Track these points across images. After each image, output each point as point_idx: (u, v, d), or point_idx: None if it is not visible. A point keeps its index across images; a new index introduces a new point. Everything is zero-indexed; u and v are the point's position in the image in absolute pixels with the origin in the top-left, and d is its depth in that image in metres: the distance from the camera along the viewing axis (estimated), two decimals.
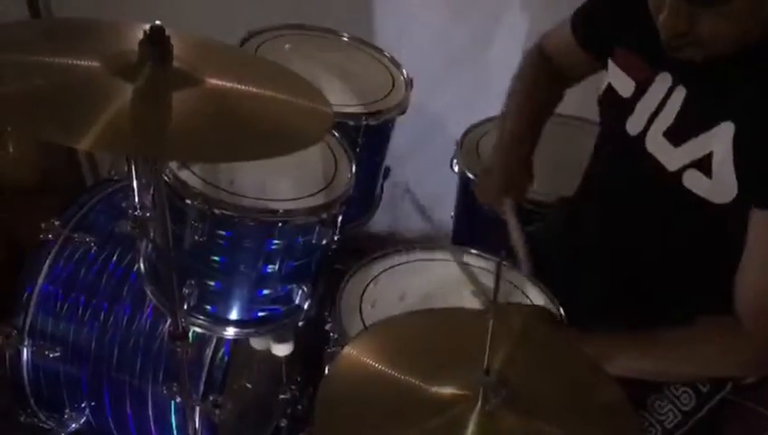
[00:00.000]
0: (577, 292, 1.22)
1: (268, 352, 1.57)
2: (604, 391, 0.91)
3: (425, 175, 2.18)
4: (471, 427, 0.83)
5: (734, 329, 1.05)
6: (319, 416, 0.85)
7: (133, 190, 1.50)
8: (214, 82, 0.89)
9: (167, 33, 0.84)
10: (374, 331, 0.99)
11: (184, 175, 1.22)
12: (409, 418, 0.86)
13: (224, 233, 1.23)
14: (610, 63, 1.24)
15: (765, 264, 1.02)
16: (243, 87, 0.92)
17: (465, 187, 1.72)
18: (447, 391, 0.87)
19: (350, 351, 0.94)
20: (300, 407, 1.78)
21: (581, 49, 1.35)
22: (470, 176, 1.65)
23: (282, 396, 1.71)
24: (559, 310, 1.22)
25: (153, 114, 0.83)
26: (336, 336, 1.20)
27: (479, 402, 0.84)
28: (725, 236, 1.06)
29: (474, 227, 1.74)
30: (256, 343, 1.55)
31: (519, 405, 0.84)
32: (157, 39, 0.84)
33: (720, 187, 1.03)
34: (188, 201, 1.18)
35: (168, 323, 1.43)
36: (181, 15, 1.82)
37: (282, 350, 1.51)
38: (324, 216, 1.22)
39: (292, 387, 1.74)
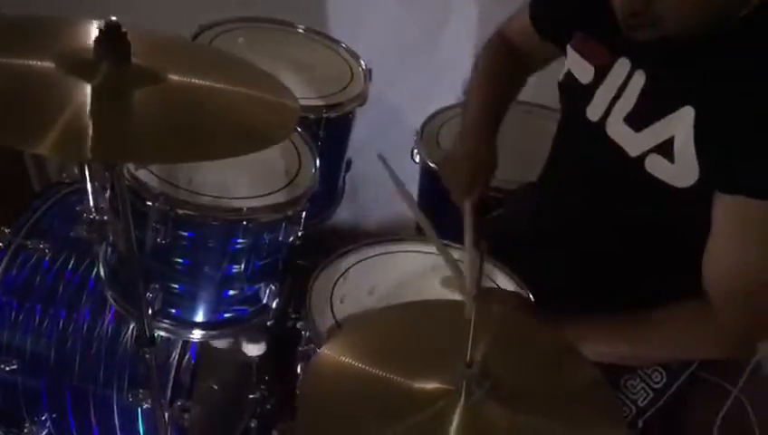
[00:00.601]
0: (544, 276, 1.21)
1: (235, 353, 1.54)
2: (583, 374, 0.92)
3: (382, 166, 2.16)
4: (455, 420, 0.83)
5: (706, 312, 1.06)
6: (301, 418, 0.83)
7: (87, 193, 1.46)
8: (175, 78, 0.86)
9: (123, 29, 0.80)
10: (350, 328, 0.97)
11: (142, 175, 1.18)
12: (393, 414, 0.85)
13: (186, 234, 1.19)
14: (569, 50, 1.24)
15: (731, 247, 1.03)
16: (206, 83, 0.89)
17: (426, 176, 1.71)
18: (430, 385, 0.87)
19: (326, 351, 0.93)
20: (269, 406, 1.76)
21: (540, 36, 1.35)
22: (431, 165, 1.63)
23: (251, 396, 1.69)
24: (528, 296, 1.22)
25: (113, 115, 0.79)
26: (308, 334, 1.18)
27: (462, 396, 0.83)
28: (688, 219, 1.06)
29: (437, 215, 1.72)
30: (219, 343, 1.53)
31: (502, 396, 0.84)
32: (113, 36, 0.80)
33: (682, 171, 1.04)
34: (149, 203, 1.14)
35: (129, 328, 1.41)
36: (129, 10, 1.78)
37: (254, 350, 1.49)
38: (290, 213, 1.20)
39: (262, 387, 1.71)
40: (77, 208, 1.53)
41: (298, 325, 1.21)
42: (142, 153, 0.78)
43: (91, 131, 0.76)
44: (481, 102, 1.40)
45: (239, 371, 1.69)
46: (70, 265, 1.48)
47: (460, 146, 1.38)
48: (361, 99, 1.50)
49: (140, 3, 1.88)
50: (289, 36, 1.62)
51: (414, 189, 1.93)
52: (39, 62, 0.80)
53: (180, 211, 1.14)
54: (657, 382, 1.23)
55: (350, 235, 2.09)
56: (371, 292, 1.28)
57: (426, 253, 1.38)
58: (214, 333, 1.34)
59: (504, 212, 1.48)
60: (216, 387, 1.70)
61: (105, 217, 1.33)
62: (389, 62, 2.05)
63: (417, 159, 1.71)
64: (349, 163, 1.69)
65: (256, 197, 1.22)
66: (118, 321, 1.41)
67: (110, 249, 1.31)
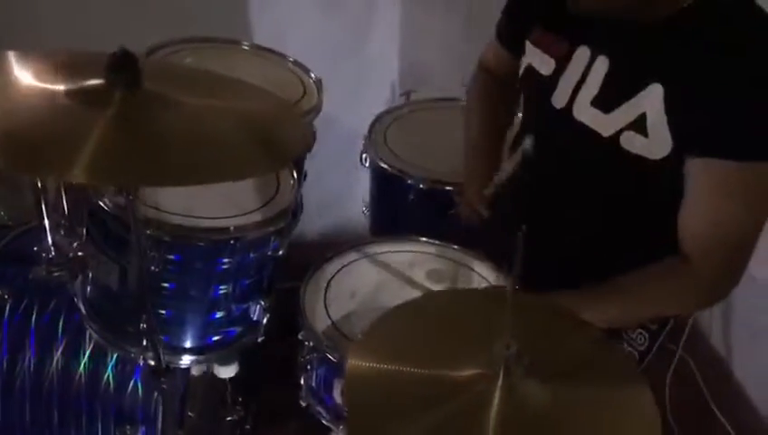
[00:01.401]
0: (529, 259, 1.27)
1: (207, 377, 1.52)
2: (601, 346, 0.98)
3: (324, 173, 2.17)
4: (496, 401, 0.86)
5: (685, 267, 1.15)
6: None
7: (46, 232, 1.41)
8: (186, 101, 0.85)
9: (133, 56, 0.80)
10: (369, 335, 0.99)
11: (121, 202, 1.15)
12: (434, 404, 0.88)
13: (173, 257, 1.17)
14: (528, 45, 1.31)
15: (706, 206, 1.12)
16: (217, 104, 0.88)
17: (378, 178, 1.74)
18: (466, 372, 0.89)
19: (353, 362, 0.93)
20: (248, 426, 1.75)
21: (509, 53, 1.43)
22: (384, 166, 1.67)
23: (228, 418, 1.67)
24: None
25: (134, 141, 0.78)
26: (311, 344, 1.19)
27: (500, 377, 0.87)
28: (664, 187, 1.15)
29: (394, 217, 1.76)
30: (195, 369, 1.50)
31: (539, 374, 0.88)
32: (125, 63, 0.79)
33: (656, 143, 1.12)
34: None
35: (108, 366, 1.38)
36: (73, 34, 1.72)
37: (226, 372, 1.47)
38: (281, 225, 1.20)
39: (237, 408, 1.70)
40: (34, 249, 1.48)
41: (300, 336, 1.21)
42: (170, 176, 0.78)
43: (115, 157, 0.75)
44: (480, 132, 1.52)
45: (212, 394, 1.67)
46: (35, 309, 1.42)
47: (467, 168, 1.49)
48: (317, 110, 1.52)
49: (86, 27, 1.83)
50: (236, 54, 1.62)
51: (355, 195, 1.97)
52: (53, 94, 0.78)
53: (168, 237, 1.12)
54: (642, 345, 1.31)
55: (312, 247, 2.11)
56: (353, 295, 1.30)
57: (402, 251, 1.42)
58: (201, 357, 1.31)
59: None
60: (191, 414, 1.67)
61: (80, 254, 1.28)
62: (316, 69, 2.08)
63: (367, 162, 1.74)
64: (305, 176, 1.71)
65: (236, 216, 1.22)
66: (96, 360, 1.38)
67: (90, 284, 1.27)
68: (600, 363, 0.94)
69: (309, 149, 0.93)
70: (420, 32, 2.17)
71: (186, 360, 1.29)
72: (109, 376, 1.37)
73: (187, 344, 1.28)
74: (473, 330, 0.97)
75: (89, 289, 1.28)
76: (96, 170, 0.72)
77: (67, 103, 0.79)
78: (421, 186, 1.61)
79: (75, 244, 1.48)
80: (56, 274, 1.45)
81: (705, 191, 1.11)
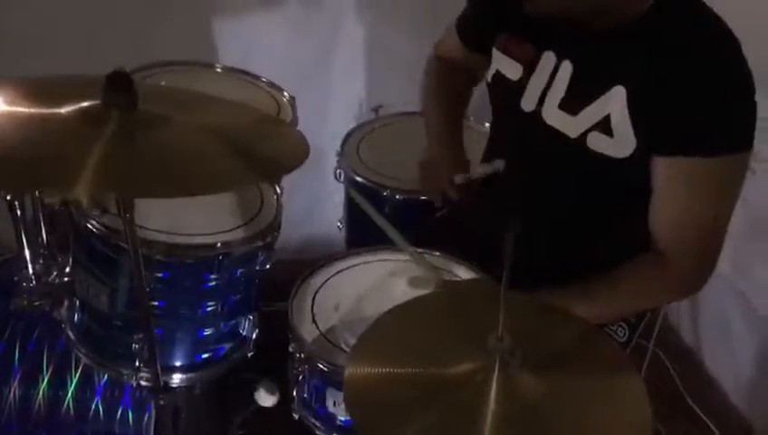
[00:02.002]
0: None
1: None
2: (591, 336, 1.02)
3: (295, 190, 2.20)
4: (493, 392, 0.89)
5: (661, 262, 1.20)
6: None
7: (26, 262, 1.42)
8: (180, 119, 0.88)
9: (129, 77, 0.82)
10: (362, 343, 1.01)
11: (109, 220, 1.17)
12: (435, 400, 0.91)
13: (161, 275, 1.19)
14: (495, 52, 1.35)
15: (675, 202, 1.17)
16: (208, 121, 0.91)
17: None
18: (462, 368, 0.93)
19: (351, 370, 0.95)
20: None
21: (471, 52, 1.47)
22: (359, 180, 1.70)
23: None
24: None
25: (131, 156, 0.80)
26: (302, 355, 1.21)
27: (496, 369, 0.90)
28: (630, 184, 1.20)
29: (370, 229, 1.77)
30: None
31: (532, 365, 0.91)
32: (123, 84, 0.81)
33: (621, 143, 1.17)
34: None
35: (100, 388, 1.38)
36: (42, 59, 1.72)
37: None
38: (269, 239, 1.22)
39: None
40: (14, 279, 1.47)
41: (290, 348, 1.23)
42: (167, 188, 0.80)
43: (116, 171, 0.77)
44: (440, 116, 1.55)
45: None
46: (18, 339, 1.42)
47: (434, 154, 1.50)
48: (293, 126, 1.55)
49: (54, 51, 1.84)
50: (209, 75, 1.64)
51: (327, 209, 2.00)
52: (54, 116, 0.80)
53: (159, 255, 1.14)
54: (622, 337, 1.36)
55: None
56: (336, 307, 1.32)
57: (382, 261, 1.44)
58: (192, 375, 1.32)
59: (450, 210, 1.56)
60: None
61: (66, 279, 1.29)
62: (285, 89, 2.11)
63: (342, 177, 1.77)
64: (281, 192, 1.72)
65: (223, 232, 1.24)
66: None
67: (78, 309, 1.27)
68: (591, 354, 0.99)
69: (303, 159, 0.96)
70: (385, 49, 2.21)
71: (176, 379, 1.30)
72: (97, 403, 1.37)
73: (177, 363, 1.29)
74: (463, 328, 1.01)
75: (76, 314, 1.28)
76: (99, 184, 0.74)
77: (66, 124, 0.81)
78: (397, 197, 1.65)
79: (55, 272, 1.49)
80: (37, 303, 1.46)
81: (673, 188, 1.16)
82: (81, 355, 1.28)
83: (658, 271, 1.21)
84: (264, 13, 2.10)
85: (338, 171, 1.77)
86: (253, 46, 2.10)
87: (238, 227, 1.25)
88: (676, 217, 1.17)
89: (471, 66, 1.52)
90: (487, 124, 1.83)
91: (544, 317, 1.03)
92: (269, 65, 2.06)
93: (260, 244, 1.22)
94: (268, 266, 1.28)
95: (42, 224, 1.49)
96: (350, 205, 1.81)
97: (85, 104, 0.84)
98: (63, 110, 0.84)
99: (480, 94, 1.58)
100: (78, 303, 1.27)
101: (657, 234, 1.20)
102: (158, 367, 1.07)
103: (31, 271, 1.45)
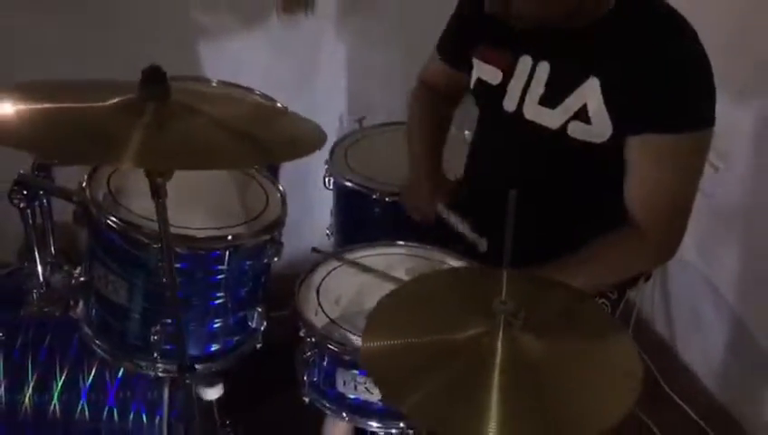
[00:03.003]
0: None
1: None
2: (582, 301, 1.12)
3: None
4: (499, 352, 0.98)
5: (636, 233, 1.32)
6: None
7: (37, 269, 1.48)
8: (208, 110, 0.97)
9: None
10: (372, 321, 1.09)
11: (132, 217, 1.24)
12: (447, 361, 0.99)
13: (178, 266, 1.23)
14: (476, 61, 1.47)
15: (647, 177, 1.29)
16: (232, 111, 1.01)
17: (343, 197, 1.85)
18: (469, 332, 1.02)
19: (367, 344, 1.04)
20: None
21: (454, 69, 1.59)
22: (350, 185, 1.79)
23: None
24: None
25: (165, 138, 0.91)
26: (313, 339, 1.29)
27: (501, 330, 0.99)
28: (609, 166, 1.32)
29: (362, 232, 1.85)
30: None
31: (532, 328, 1.00)
32: (157, 77, 0.90)
33: (598, 129, 1.29)
34: (148, 242, 1.20)
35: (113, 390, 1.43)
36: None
37: (212, 393, 1.53)
38: (276, 233, 1.31)
39: (228, 430, 1.75)
40: (23, 287, 1.53)
41: (301, 333, 1.31)
42: (197, 162, 0.91)
43: (154, 149, 0.89)
44: (423, 142, 1.66)
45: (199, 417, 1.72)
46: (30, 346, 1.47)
47: (418, 177, 1.62)
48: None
49: (48, 67, 1.90)
50: (204, 89, 1.72)
51: (312, 220, 2.09)
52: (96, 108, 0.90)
53: (178, 247, 1.21)
54: None
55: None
56: (337, 301, 1.40)
57: (378, 255, 1.53)
58: (203, 367, 1.37)
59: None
60: None
61: (82, 279, 1.35)
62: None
63: (331, 184, 1.86)
64: None
65: (233, 226, 1.32)
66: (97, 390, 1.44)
67: (93, 307, 1.33)
68: (584, 315, 1.09)
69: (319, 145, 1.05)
70: (364, 66, 2.32)
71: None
72: (111, 406, 1.43)
73: (190, 353, 1.34)
74: (467, 300, 1.10)
75: (93, 311, 1.34)
76: (141, 159, 0.87)
77: (108, 115, 0.92)
78: (387, 199, 1.74)
79: (64, 277, 1.55)
80: (47, 309, 1.52)
81: (646, 164, 1.28)
82: (97, 350, 1.34)
83: (634, 241, 1.33)
84: (249, 33, 2.20)
85: (327, 179, 1.86)
86: (238, 65, 2.19)
87: (248, 222, 1.33)
88: (648, 190, 1.30)
89: (453, 89, 1.64)
90: (467, 132, 1.97)
91: (539, 286, 1.12)
92: (254, 83, 2.16)
93: (268, 237, 1.30)
94: (276, 259, 1.35)
95: (51, 232, 1.55)
96: (342, 209, 1.90)
97: (120, 99, 0.93)
98: (102, 104, 0.93)
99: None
100: (94, 299, 1.33)
101: (631, 208, 1.32)
102: (186, 345, 1.13)
103: (41, 278, 1.52)
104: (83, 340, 1.37)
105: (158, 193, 0.94)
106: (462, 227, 1.49)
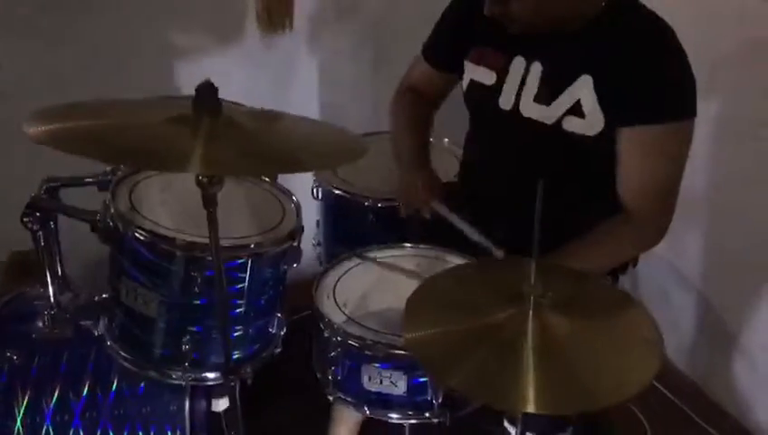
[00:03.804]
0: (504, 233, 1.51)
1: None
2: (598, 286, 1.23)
3: None
4: (530, 330, 1.07)
5: (629, 218, 1.44)
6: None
7: (48, 291, 1.50)
8: (254, 125, 1.06)
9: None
10: (409, 314, 1.17)
11: (159, 229, 1.28)
12: (484, 344, 1.08)
13: (207, 274, 1.28)
14: (468, 64, 1.56)
15: (638, 167, 1.41)
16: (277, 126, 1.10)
17: (331, 207, 1.91)
18: (502, 314, 1.10)
19: (408, 336, 1.12)
20: None
21: (440, 72, 1.68)
22: (337, 192, 1.85)
23: None
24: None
25: (222, 147, 0.99)
26: (338, 338, 1.35)
27: (531, 309, 1.08)
28: (603, 157, 1.43)
29: (352, 239, 1.90)
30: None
31: (559, 305, 1.10)
32: (209, 93, 0.97)
33: (592, 122, 1.40)
34: (178, 254, 1.25)
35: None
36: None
37: (221, 404, 1.55)
38: (295, 242, 1.38)
39: None
40: (35, 303, 1.55)
41: (326, 334, 1.37)
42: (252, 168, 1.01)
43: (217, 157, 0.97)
44: (411, 141, 1.74)
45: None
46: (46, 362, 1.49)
47: (409, 176, 1.68)
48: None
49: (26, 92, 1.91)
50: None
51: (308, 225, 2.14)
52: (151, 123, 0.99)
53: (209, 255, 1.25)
54: None
55: None
56: (345, 305, 1.46)
57: (386, 257, 1.60)
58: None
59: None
60: None
61: (104, 295, 1.38)
62: None
63: (319, 194, 1.91)
64: None
65: (256, 235, 1.37)
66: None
67: (120, 321, 1.37)
68: (602, 294, 1.19)
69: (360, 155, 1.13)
70: (335, 80, 2.40)
71: (211, 377, 1.39)
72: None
73: (212, 360, 1.38)
74: (492, 288, 1.18)
75: (119, 325, 1.37)
76: (206, 166, 0.95)
77: (167, 128, 0.98)
78: (379, 205, 1.81)
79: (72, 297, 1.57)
80: (57, 330, 1.54)
81: (636, 153, 1.40)
82: (124, 362, 1.37)
83: (627, 226, 1.45)
84: (223, 50, 2.24)
85: (315, 189, 1.91)
86: (216, 80, 2.22)
87: (264, 232, 1.38)
88: (638, 178, 1.42)
89: (438, 93, 1.74)
90: (446, 140, 2.06)
91: (558, 271, 1.22)
92: (231, 97, 2.21)
93: (289, 244, 1.36)
94: (295, 265, 1.40)
95: (59, 254, 1.57)
96: (331, 219, 1.95)
97: (175, 113, 1.02)
98: (155, 119, 1.00)
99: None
100: (121, 313, 1.35)
101: (623, 196, 1.44)
102: (230, 347, 1.18)
103: (53, 299, 1.53)
104: (108, 353, 1.40)
105: (210, 202, 1.00)
106: (477, 236, 1.54)
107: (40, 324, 1.53)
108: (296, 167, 1.05)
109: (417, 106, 1.78)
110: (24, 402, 1.45)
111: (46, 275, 1.50)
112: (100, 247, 1.40)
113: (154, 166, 1.14)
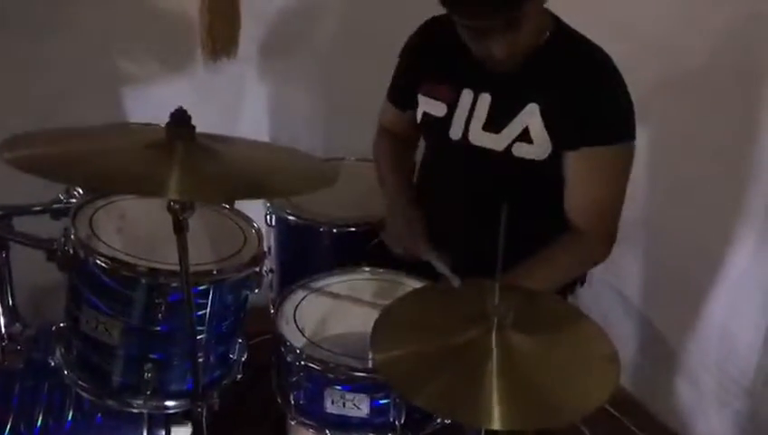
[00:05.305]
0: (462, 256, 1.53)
1: None
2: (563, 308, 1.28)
3: None
4: (495, 350, 1.11)
5: (579, 237, 1.51)
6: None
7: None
8: (224, 150, 1.06)
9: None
10: (377, 336, 1.20)
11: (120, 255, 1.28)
12: (450, 362, 1.11)
13: (170, 300, 1.28)
14: (421, 97, 1.62)
15: (586, 185, 1.49)
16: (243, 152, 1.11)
17: (285, 232, 1.92)
18: (468, 335, 1.14)
19: (377, 357, 1.17)
20: None
21: (404, 112, 1.72)
22: (294, 219, 1.87)
23: None
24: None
25: (199, 173, 1.01)
26: (301, 363, 1.36)
27: (494, 327, 1.12)
28: (551, 180, 1.50)
29: (306, 266, 1.91)
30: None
31: (520, 327, 1.14)
32: (183, 120, 0.98)
33: (540, 147, 1.48)
34: (143, 281, 1.25)
35: None
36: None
37: (181, 434, 1.55)
38: (257, 268, 1.39)
39: None
40: None
41: (288, 359, 1.37)
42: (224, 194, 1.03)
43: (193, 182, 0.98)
44: (396, 183, 1.74)
45: None
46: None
47: (397, 218, 1.67)
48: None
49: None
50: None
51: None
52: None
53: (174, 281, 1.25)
54: None
55: None
56: (304, 330, 1.48)
57: (341, 282, 1.62)
58: (185, 401, 1.38)
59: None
60: None
61: (62, 324, 1.36)
62: None
63: (273, 221, 1.92)
64: None
65: (218, 261, 1.38)
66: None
67: (78, 350, 1.35)
68: (556, 311, 1.25)
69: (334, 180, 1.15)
70: (285, 107, 2.43)
71: (171, 405, 1.38)
72: None
73: (172, 388, 1.37)
74: (453, 310, 1.23)
75: (77, 353, 1.35)
76: (182, 191, 0.96)
77: (143, 153, 0.99)
78: (334, 230, 1.83)
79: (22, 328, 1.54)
80: (7, 362, 1.50)
81: (583, 175, 1.48)
82: (82, 392, 1.34)
83: (576, 244, 1.52)
84: (173, 78, 2.25)
85: (268, 216, 1.92)
86: (163, 112, 2.22)
87: (227, 259, 1.39)
88: (586, 198, 1.50)
89: (409, 132, 1.75)
90: None
91: (516, 291, 1.26)
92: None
93: (251, 270, 1.37)
94: (257, 291, 1.41)
95: (9, 285, 1.54)
96: (286, 246, 1.96)
97: (156, 138, 1.04)
98: (132, 144, 1.00)
99: None
100: (80, 342, 1.34)
101: (572, 216, 1.52)
102: (200, 373, 1.18)
103: (3, 330, 1.50)
104: (62, 384, 1.37)
105: (180, 228, 1.00)
106: (441, 266, 1.54)
107: None
108: (271, 193, 1.07)
109: (394, 148, 1.81)
110: None
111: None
112: (47, 277, 1.39)
113: (133, 191, 1.13)
